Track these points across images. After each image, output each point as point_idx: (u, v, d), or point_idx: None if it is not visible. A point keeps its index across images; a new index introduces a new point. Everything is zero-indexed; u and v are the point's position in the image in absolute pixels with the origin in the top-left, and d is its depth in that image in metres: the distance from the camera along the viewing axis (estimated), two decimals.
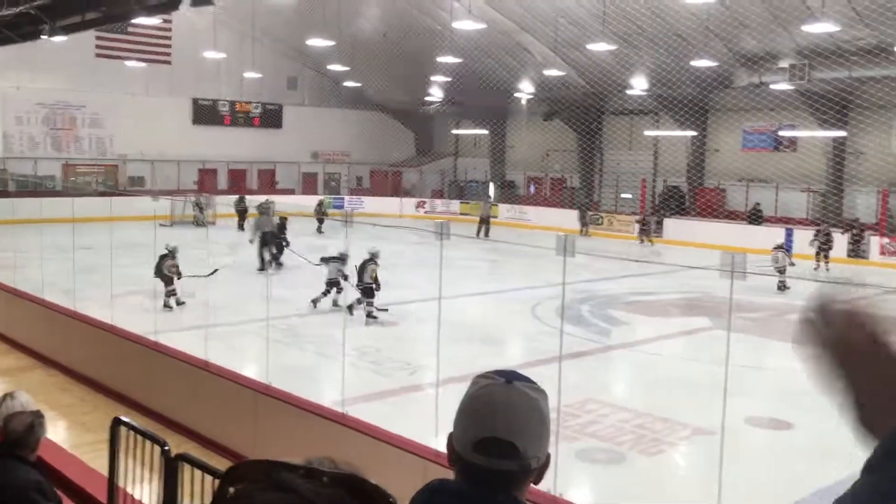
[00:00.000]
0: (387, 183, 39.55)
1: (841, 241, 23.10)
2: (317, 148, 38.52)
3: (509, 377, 1.51)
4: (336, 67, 31.82)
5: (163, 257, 13.72)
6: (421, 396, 9.10)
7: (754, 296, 15.93)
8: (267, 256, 18.26)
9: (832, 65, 23.57)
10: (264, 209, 18.68)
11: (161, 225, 26.76)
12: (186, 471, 4.43)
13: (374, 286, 13.68)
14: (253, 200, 22.86)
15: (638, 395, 10.48)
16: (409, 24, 28.22)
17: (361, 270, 13.72)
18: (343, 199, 35.67)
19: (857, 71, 23.43)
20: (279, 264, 18.94)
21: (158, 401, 8.81)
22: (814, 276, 18.86)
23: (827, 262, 21.61)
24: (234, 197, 28.17)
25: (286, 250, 19.20)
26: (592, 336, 13.06)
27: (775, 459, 8.10)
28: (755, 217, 27.83)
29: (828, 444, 8.36)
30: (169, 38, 32.93)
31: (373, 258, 13.81)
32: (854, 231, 23.00)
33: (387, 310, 13.66)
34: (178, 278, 13.85)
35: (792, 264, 18.12)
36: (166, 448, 4.59)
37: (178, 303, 13.84)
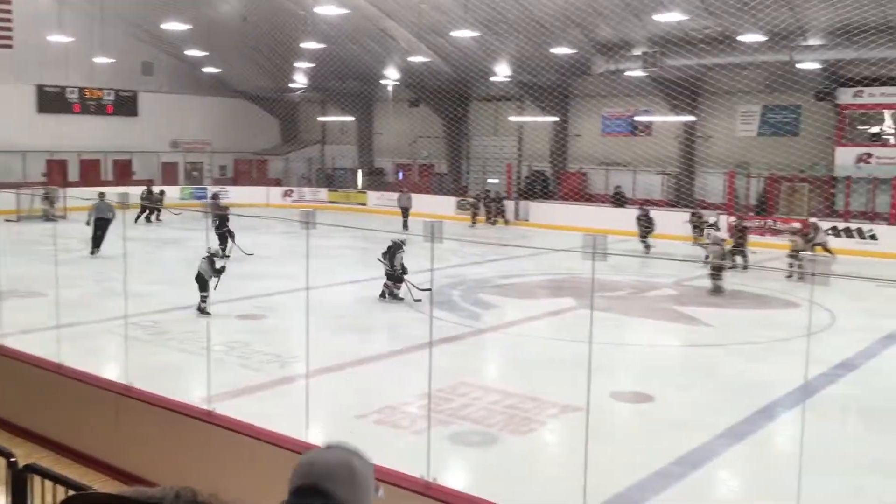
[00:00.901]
0: (252, 171, 38.55)
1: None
2: (176, 136, 36.98)
3: (333, 446, 1.89)
4: (194, 52, 30.64)
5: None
6: (292, 389, 8.93)
7: (616, 275, 16.58)
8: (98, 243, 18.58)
9: (682, 53, 24.77)
10: (102, 196, 18.39)
11: (7, 220, 25.13)
12: (37, 483, 4.14)
13: (400, 272, 14.57)
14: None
15: (509, 376, 10.69)
16: (269, 8, 27.50)
17: (392, 258, 14.57)
18: (206, 188, 34.47)
19: (704, 59, 24.71)
20: (225, 256, 18.82)
21: (4, 408, 8.22)
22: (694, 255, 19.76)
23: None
24: (89, 189, 26.67)
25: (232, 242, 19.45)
26: (463, 320, 13.21)
27: (638, 431, 8.45)
28: (618, 200, 28.96)
29: (685, 415, 8.82)
30: (9, 20, 30.69)
31: (400, 245, 14.58)
32: (694, 215, 24.00)
33: (429, 289, 12.69)
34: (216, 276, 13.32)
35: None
36: (13, 459, 4.27)
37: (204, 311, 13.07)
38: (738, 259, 18.60)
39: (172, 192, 30.99)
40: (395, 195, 30.40)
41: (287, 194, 34.48)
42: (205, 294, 12.95)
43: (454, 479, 6.89)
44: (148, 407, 6.97)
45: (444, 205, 31.54)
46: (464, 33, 23.29)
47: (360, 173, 38.12)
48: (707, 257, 17.27)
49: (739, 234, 19.87)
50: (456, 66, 30.28)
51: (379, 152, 39.48)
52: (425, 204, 30.21)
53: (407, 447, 7.35)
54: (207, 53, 30.42)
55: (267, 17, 27.60)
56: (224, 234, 19.25)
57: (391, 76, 33.49)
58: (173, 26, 24.29)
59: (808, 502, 6.08)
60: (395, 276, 14.55)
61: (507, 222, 28.83)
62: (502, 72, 30.09)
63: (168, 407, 6.89)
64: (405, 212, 28.15)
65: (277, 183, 36.81)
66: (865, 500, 6.76)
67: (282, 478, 1.89)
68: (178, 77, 36.44)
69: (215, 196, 29.31)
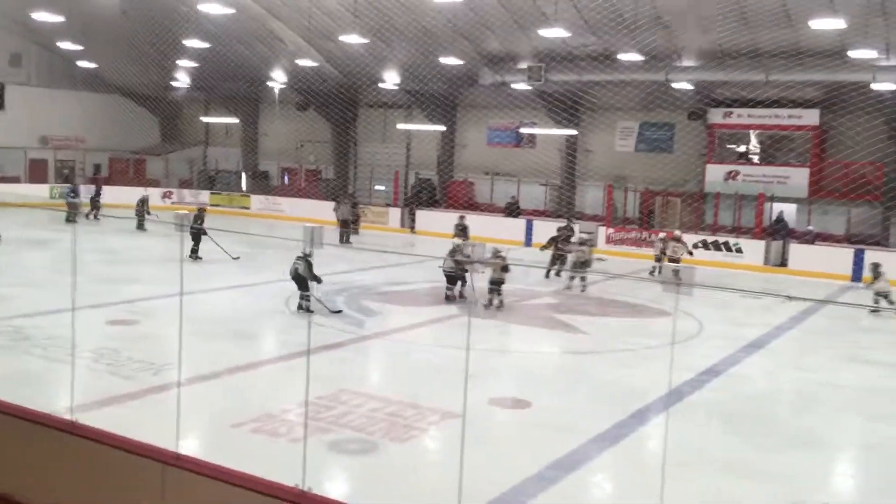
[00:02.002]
0: (129, 171, 37.02)
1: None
2: (46, 132, 35.07)
3: None
4: (68, 45, 29.21)
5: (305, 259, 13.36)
6: (165, 398, 8.60)
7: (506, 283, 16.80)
8: None
9: (565, 68, 25.53)
10: None
11: None
12: None
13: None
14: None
15: (391, 383, 10.67)
16: (150, 3, 26.53)
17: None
18: (79, 188, 32.82)
19: (586, 75, 25.57)
20: (198, 258, 19.16)
21: None
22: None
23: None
24: None
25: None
26: (347, 327, 13.10)
27: (516, 436, 8.60)
28: (512, 210, 29.40)
29: (562, 420, 9.05)
30: None
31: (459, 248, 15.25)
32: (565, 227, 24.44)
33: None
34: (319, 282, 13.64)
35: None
36: None
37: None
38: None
39: (41, 191, 29.42)
40: (282, 200, 29.89)
41: (166, 195, 33.27)
42: (306, 293, 13.57)
43: (332, 487, 6.81)
44: (4, 418, 6.53)
45: (330, 210, 31.21)
46: (353, 39, 23.20)
47: (244, 176, 37.28)
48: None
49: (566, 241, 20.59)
50: (345, 71, 30.12)
51: (264, 155, 38.76)
52: (310, 209, 29.79)
53: (284, 456, 7.21)
54: (83, 47, 29.06)
55: (148, 12, 26.62)
56: (198, 234, 19.15)
57: (279, 79, 32.98)
58: (45, 17, 23.08)
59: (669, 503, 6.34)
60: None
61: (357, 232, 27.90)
62: (391, 79, 30.15)
63: (26, 418, 6.48)
64: (345, 224, 25.57)
65: (156, 184, 35.48)
66: (723, 501, 7.11)
67: (150, 490, 1.75)
68: (50, 70, 34.63)
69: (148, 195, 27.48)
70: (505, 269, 14.66)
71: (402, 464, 7.55)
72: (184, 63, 31.26)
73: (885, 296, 16.69)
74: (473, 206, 31.61)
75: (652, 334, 13.91)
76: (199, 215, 19.94)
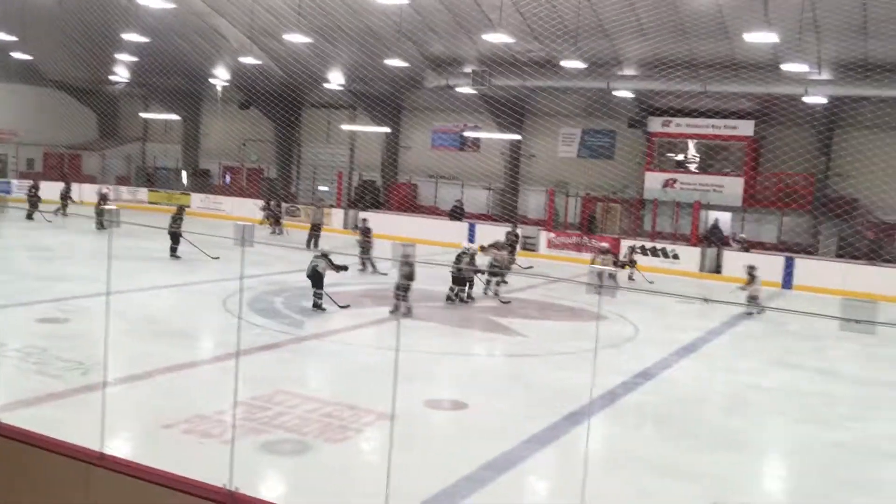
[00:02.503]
0: (63, 166, 36.07)
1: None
2: None
3: None
4: (1, 36, 28.29)
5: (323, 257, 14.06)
6: (93, 397, 8.41)
7: (440, 285, 16.89)
8: None
9: (509, 73, 25.76)
10: None
11: None
12: None
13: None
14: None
15: (328, 384, 10.63)
16: None
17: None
18: (10, 183, 31.88)
19: (529, 80, 25.85)
20: (177, 256, 19.51)
21: None
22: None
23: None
24: None
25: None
26: (285, 328, 13.00)
27: (451, 438, 8.65)
28: (457, 213, 29.50)
29: (497, 422, 9.13)
30: None
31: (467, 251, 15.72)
32: (511, 232, 24.62)
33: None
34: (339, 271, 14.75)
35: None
36: None
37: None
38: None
39: None
40: (223, 199, 29.47)
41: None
42: (319, 291, 14.36)
43: (263, 488, 6.76)
44: None
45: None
46: (297, 38, 23.01)
47: (184, 174, 36.67)
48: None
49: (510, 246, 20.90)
50: (289, 70, 29.87)
51: (205, 153, 38.19)
52: (253, 209, 29.43)
53: (215, 457, 7.12)
54: (17, 38, 28.20)
55: (85, 3, 26.00)
56: (177, 234, 19.65)
57: (221, 76, 32.54)
58: None
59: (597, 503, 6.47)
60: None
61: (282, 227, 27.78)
62: (336, 79, 30.02)
63: None
64: (315, 227, 24.15)
65: (92, 180, 34.65)
66: (650, 502, 7.27)
67: (74, 490, 1.71)
68: None
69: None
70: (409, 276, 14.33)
71: (335, 464, 7.53)
72: (122, 57, 30.59)
73: (755, 298, 17.22)
74: (417, 209, 31.66)
75: (589, 337, 14.12)
76: (178, 215, 20.04)
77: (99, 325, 11.33)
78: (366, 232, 21.26)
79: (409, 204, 31.96)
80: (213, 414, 8.33)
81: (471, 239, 26.77)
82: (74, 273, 16.26)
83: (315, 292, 14.38)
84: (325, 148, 35.15)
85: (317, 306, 14.36)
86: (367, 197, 32.27)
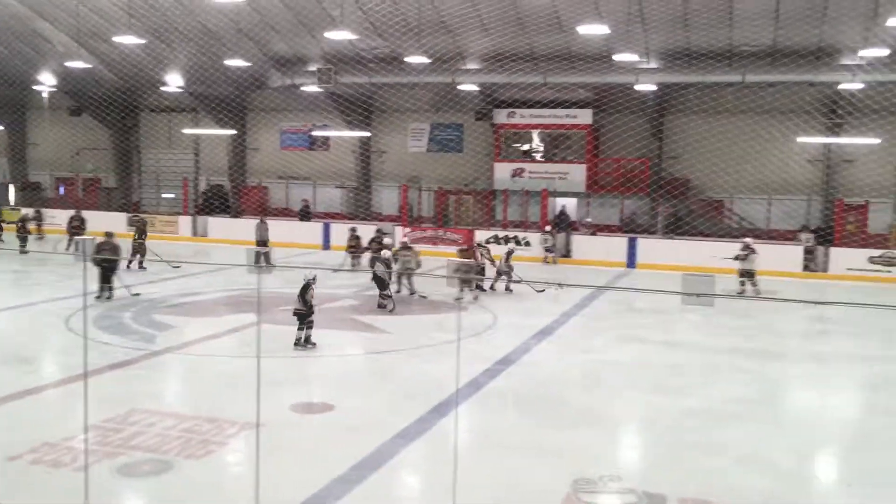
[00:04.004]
0: None
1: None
2: None
3: None
4: None
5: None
6: None
7: (295, 288, 16.62)
8: None
9: (355, 70, 25.68)
10: None
11: None
12: None
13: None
14: None
15: (186, 399, 10.24)
16: None
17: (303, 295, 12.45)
18: None
19: (376, 77, 25.87)
20: (143, 268, 19.91)
21: None
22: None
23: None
24: None
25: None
26: (136, 343, 12.41)
27: (320, 440, 8.55)
28: (305, 214, 29.09)
29: (365, 420, 9.11)
30: None
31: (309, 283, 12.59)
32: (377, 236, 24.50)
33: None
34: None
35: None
36: None
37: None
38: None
39: None
40: (56, 212, 27.59)
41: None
42: (385, 293, 15.55)
43: None
44: None
45: (114, 221, 29.30)
46: (129, 39, 21.90)
47: (11, 188, 34.18)
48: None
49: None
50: (122, 73, 28.47)
51: (35, 165, 35.79)
52: (92, 221, 27.83)
53: (68, 486, 6.73)
54: None
55: None
56: (142, 246, 20.30)
57: (47, 82, 30.55)
58: None
59: (467, 491, 6.60)
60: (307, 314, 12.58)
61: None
62: (174, 82, 28.85)
63: None
64: (262, 244, 21.89)
65: None
66: (518, 483, 7.49)
67: None
68: None
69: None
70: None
71: (199, 481, 7.27)
72: None
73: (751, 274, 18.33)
74: (268, 212, 31.00)
75: (450, 329, 14.34)
76: (142, 228, 20.81)
77: None
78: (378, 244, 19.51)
79: (260, 207, 31.25)
80: (62, 441, 7.85)
81: (326, 239, 26.54)
82: None
83: (380, 293, 15.73)
84: (168, 153, 33.75)
85: (382, 306, 15.62)
86: (216, 202, 31.27)
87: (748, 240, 19.28)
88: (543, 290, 18.22)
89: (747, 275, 18.42)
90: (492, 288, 18.45)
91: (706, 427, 9.23)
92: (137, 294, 16.28)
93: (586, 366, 12.18)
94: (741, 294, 18.12)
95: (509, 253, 19.39)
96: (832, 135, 25.31)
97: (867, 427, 9.75)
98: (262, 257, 20.61)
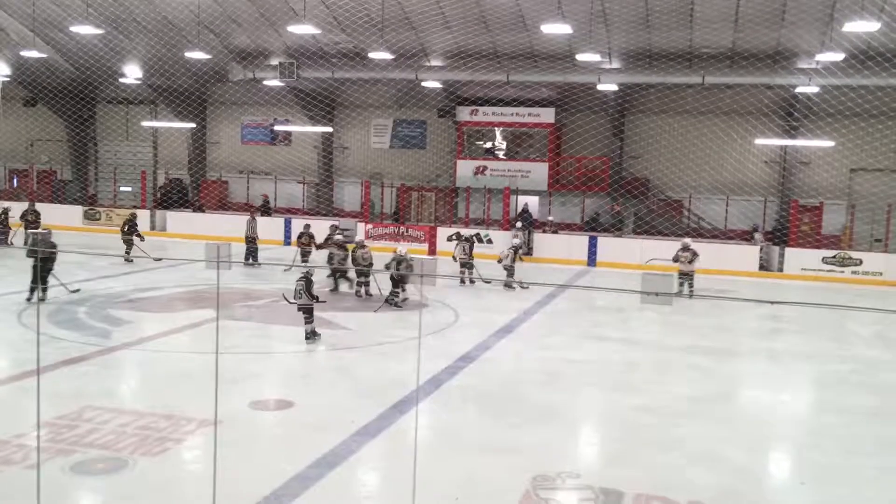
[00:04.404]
0: None
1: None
2: None
3: None
4: None
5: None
6: None
7: (259, 283, 16.50)
8: None
9: (317, 65, 25.49)
10: None
11: None
12: None
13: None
14: None
15: (142, 395, 10.08)
16: None
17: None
18: None
19: (339, 72, 25.71)
20: (129, 260, 19.97)
21: None
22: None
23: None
24: None
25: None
26: (91, 339, 12.18)
27: (278, 438, 8.49)
28: (266, 209, 28.80)
29: (324, 417, 9.06)
30: None
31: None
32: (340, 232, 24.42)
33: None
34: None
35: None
36: None
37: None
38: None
39: None
40: (12, 205, 26.92)
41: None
42: (396, 290, 15.92)
43: None
44: None
45: (70, 214, 28.77)
46: (86, 29, 21.47)
47: None
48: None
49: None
50: (78, 64, 27.92)
51: None
52: (46, 214, 27.28)
53: (18, 484, 6.59)
54: None
55: None
56: (131, 240, 20.54)
57: (0, 71, 29.82)
58: None
59: (427, 488, 6.60)
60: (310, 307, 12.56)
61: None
62: (133, 73, 28.38)
63: None
64: (251, 240, 21.45)
65: None
66: (477, 480, 7.51)
67: None
68: None
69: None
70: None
71: (155, 479, 7.16)
72: None
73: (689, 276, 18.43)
74: (228, 207, 30.68)
75: (411, 325, 14.33)
76: (132, 221, 20.87)
77: None
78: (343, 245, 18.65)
79: (219, 201, 30.89)
80: (13, 438, 7.67)
81: (287, 234, 26.34)
82: None
83: (392, 291, 15.94)
84: (126, 146, 33.21)
85: (391, 303, 15.84)
86: (175, 196, 30.84)
87: (687, 240, 19.33)
88: (528, 287, 18.51)
89: (684, 276, 18.39)
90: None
91: (663, 424, 9.35)
92: (77, 290, 15.68)
93: (546, 363, 12.25)
94: (678, 294, 17.99)
95: (515, 250, 19.73)
96: (789, 137, 25.78)
97: (819, 424, 9.96)
98: (250, 256, 20.99)
